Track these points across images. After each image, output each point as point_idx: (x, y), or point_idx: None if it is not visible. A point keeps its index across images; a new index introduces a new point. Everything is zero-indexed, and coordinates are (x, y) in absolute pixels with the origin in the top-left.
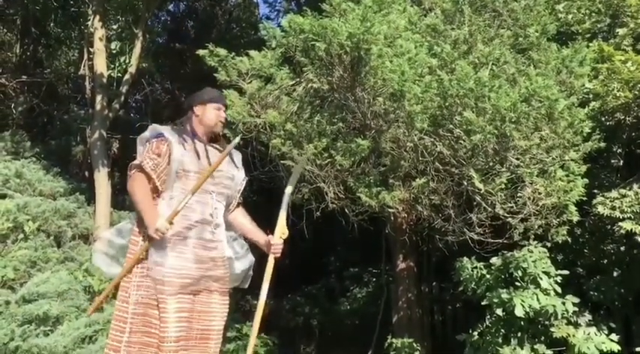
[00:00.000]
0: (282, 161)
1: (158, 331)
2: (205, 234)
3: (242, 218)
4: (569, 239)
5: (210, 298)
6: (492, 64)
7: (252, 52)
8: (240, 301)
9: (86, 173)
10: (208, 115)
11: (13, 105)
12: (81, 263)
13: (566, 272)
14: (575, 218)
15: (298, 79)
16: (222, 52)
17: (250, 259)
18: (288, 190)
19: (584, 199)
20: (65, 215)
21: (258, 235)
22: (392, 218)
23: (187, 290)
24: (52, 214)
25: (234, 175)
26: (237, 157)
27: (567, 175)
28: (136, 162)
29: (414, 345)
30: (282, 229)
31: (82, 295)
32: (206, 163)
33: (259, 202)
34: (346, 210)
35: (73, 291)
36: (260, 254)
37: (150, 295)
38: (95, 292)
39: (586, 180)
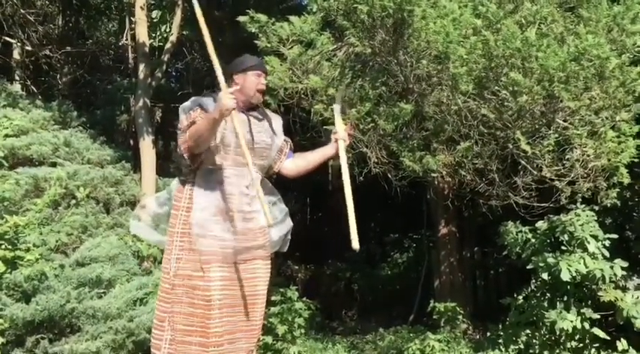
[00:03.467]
0: (324, 127)
1: (202, 301)
2: (244, 206)
3: (301, 158)
4: (619, 202)
5: (253, 265)
6: (540, 23)
7: (293, 18)
8: (282, 266)
9: (131, 141)
10: (248, 83)
11: (58, 76)
12: (129, 229)
13: (614, 236)
14: (626, 180)
15: (339, 44)
16: (263, 18)
17: (288, 224)
18: (337, 106)
19: (635, 160)
20: (113, 182)
21: (322, 151)
22: (435, 183)
23: (230, 260)
24: (100, 181)
25: (270, 144)
26: (277, 123)
27: (618, 136)
28: (185, 124)
29: (457, 309)
30: (339, 124)
31: (131, 259)
32: (247, 136)
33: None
34: (389, 175)
35: (123, 255)
36: (297, 220)
37: (191, 267)
38: (144, 256)
39: (638, 141)
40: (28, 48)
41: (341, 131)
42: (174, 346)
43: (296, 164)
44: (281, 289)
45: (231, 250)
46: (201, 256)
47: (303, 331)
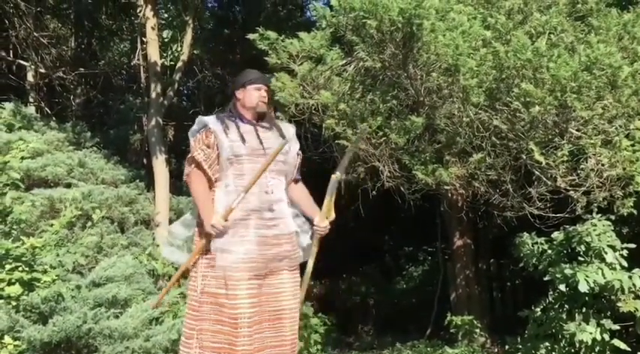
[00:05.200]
0: (336, 141)
1: (228, 319)
2: (265, 213)
3: (300, 194)
4: (635, 211)
5: (278, 279)
6: (550, 33)
7: (302, 34)
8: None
9: (144, 160)
10: (249, 97)
11: (71, 97)
12: (144, 248)
13: (632, 245)
14: None
15: (349, 59)
16: (273, 35)
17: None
18: (337, 176)
19: None
20: (127, 202)
21: (310, 211)
22: (448, 195)
23: (255, 273)
24: (114, 201)
25: (286, 149)
26: (289, 130)
27: (633, 145)
28: (190, 156)
29: (475, 322)
30: (327, 213)
31: (147, 279)
32: (256, 143)
33: (313, 183)
34: (401, 188)
35: (139, 274)
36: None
37: (217, 284)
38: (159, 275)
39: None
40: (42, 70)
41: (322, 223)
42: None
43: (293, 194)
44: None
45: (254, 264)
46: (226, 272)
47: (319, 347)
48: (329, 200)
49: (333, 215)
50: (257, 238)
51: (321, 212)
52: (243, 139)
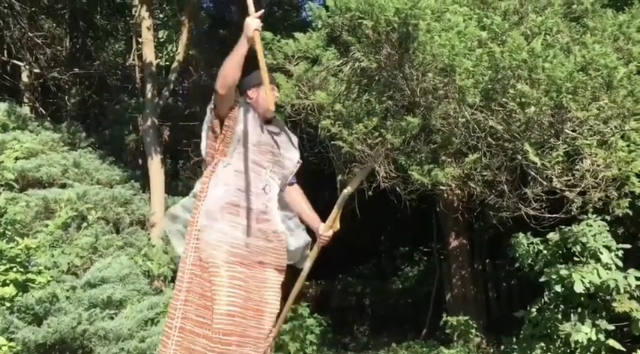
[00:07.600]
0: (332, 142)
1: (211, 294)
2: (259, 205)
3: (295, 196)
4: (630, 212)
5: (264, 273)
6: (545, 33)
7: (298, 34)
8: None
9: (139, 161)
10: (262, 96)
11: (66, 97)
12: (139, 248)
13: (627, 246)
14: (638, 190)
15: (345, 59)
16: (269, 35)
17: (305, 237)
18: (347, 190)
19: None
20: (122, 202)
21: (312, 218)
22: (444, 196)
23: (238, 260)
24: (109, 201)
25: (291, 157)
26: (295, 139)
27: (628, 145)
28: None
29: (470, 322)
30: (332, 223)
31: (142, 279)
32: (267, 137)
33: (309, 183)
34: (397, 189)
35: (134, 275)
36: (314, 235)
37: (202, 284)
38: (154, 276)
39: None
40: (37, 70)
41: (326, 232)
42: (183, 334)
43: (289, 196)
44: (292, 306)
45: (239, 250)
46: (209, 251)
47: (315, 348)
48: (336, 212)
49: (337, 226)
50: (246, 228)
51: (326, 222)
52: (261, 129)
